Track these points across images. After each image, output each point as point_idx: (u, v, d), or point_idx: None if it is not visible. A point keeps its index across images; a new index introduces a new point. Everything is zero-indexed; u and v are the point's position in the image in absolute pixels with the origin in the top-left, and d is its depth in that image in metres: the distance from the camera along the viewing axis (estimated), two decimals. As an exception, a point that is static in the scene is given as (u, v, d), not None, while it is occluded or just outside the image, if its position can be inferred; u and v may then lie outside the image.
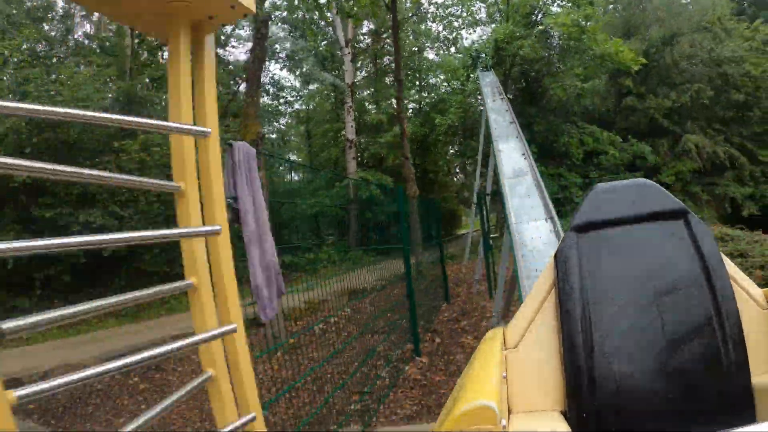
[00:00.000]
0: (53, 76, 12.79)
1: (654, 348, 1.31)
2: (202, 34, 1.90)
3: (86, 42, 18.43)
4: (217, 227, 1.77)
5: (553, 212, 5.13)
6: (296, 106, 27.88)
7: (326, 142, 23.92)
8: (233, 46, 22.88)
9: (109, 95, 12.88)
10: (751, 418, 1.26)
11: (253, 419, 1.87)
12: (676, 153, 19.92)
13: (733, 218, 19.16)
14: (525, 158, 6.87)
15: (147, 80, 15.10)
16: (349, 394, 4.79)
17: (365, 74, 25.54)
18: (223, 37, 20.92)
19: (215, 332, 1.79)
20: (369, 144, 21.99)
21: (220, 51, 20.97)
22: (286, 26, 23.36)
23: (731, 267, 1.43)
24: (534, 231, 4.89)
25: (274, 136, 26.71)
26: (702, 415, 1.26)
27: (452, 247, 20.31)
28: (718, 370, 1.28)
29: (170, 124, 1.74)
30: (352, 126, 19.12)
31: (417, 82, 26.40)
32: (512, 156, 7.33)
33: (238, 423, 1.77)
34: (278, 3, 22.20)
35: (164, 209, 11.71)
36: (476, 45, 20.58)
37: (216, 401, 1.87)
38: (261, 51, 7.09)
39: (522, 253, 4.56)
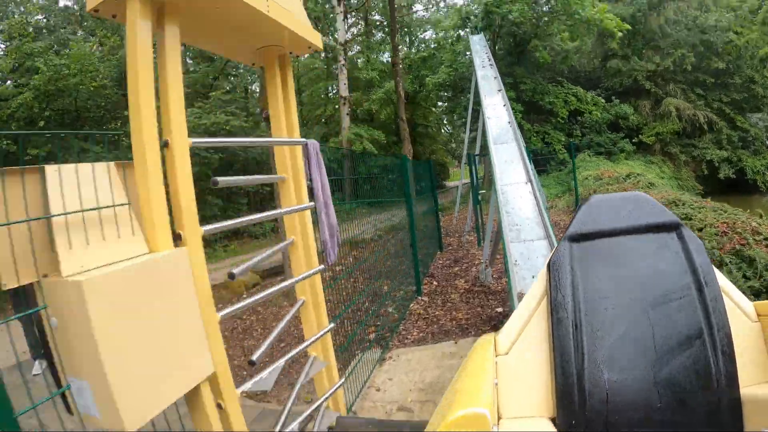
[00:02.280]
0: (61, 50, 13.03)
1: (644, 358, 1.32)
2: (285, 63, 2.92)
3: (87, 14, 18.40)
4: (312, 204, 2.92)
5: (533, 177, 6.18)
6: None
7: (319, 99, 24.40)
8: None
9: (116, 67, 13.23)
10: (739, 429, 1.28)
11: (333, 328, 3.03)
12: (657, 114, 20.70)
13: (709, 179, 20.24)
14: (510, 126, 7.84)
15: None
16: (365, 328, 5.89)
17: (357, 32, 25.73)
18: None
19: (307, 273, 2.95)
20: (362, 100, 22.57)
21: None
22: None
23: (722, 280, 1.45)
24: (516, 191, 5.95)
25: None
26: (691, 425, 1.27)
27: (443, 199, 21.31)
28: (708, 381, 1.29)
29: (277, 139, 2.83)
30: (345, 84, 19.70)
31: (407, 38, 26.71)
32: (499, 123, 8.30)
33: (321, 333, 2.92)
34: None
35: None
36: (466, 7, 20.90)
37: (305, 319, 3.05)
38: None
39: (506, 209, 5.62)
